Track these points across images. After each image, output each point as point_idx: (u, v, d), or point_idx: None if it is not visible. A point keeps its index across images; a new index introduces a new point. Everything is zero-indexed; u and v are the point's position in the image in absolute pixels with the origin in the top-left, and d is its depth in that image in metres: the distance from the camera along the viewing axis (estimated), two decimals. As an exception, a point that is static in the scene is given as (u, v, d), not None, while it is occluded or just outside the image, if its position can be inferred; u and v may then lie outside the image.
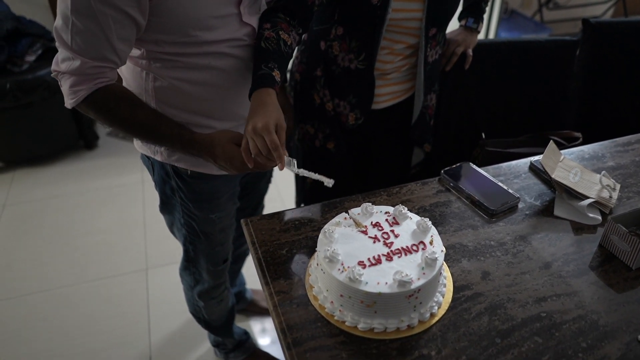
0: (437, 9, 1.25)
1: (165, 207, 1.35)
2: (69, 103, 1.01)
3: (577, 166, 1.22)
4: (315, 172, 1.07)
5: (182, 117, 1.13)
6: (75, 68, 0.96)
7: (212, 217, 1.31)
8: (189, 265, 1.47)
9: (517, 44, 1.62)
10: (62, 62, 0.98)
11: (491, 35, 3.57)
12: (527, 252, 1.04)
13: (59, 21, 0.94)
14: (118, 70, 1.12)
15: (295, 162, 1.04)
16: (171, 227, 1.42)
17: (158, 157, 1.20)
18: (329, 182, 1.05)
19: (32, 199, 2.63)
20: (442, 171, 1.24)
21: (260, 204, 1.68)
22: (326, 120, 1.45)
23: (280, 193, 2.47)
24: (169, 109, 1.12)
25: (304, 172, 1.05)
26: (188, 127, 1.12)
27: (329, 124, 1.46)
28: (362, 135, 1.49)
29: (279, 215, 1.13)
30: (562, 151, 1.30)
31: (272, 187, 1.67)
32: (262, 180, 1.56)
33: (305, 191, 1.67)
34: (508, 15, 3.93)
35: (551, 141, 1.23)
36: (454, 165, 1.26)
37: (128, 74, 1.13)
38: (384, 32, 1.26)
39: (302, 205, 1.71)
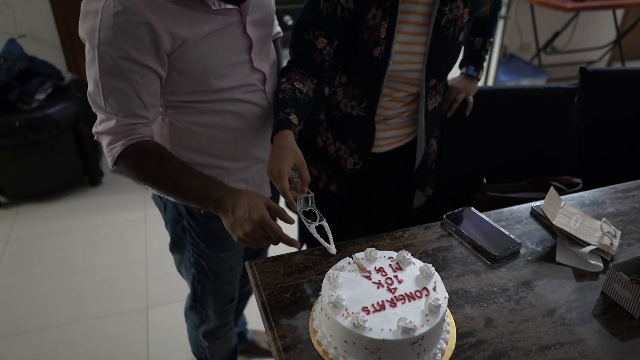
0: (437, 61, 1.29)
1: (176, 246, 1.36)
2: (109, 163, 1.07)
3: (577, 212, 1.24)
4: (321, 221, 1.08)
5: (196, 158, 1.17)
6: (111, 127, 1.03)
7: (222, 256, 1.33)
8: (196, 305, 1.47)
9: (517, 91, 1.66)
10: (100, 124, 1.05)
11: (490, 78, 3.65)
12: (530, 298, 1.04)
13: (90, 87, 1.01)
14: None
15: (313, 197, 1.06)
16: (179, 266, 1.43)
17: (171, 198, 1.22)
18: (331, 249, 1.07)
19: (35, 234, 2.64)
20: (444, 215, 1.26)
21: None
22: (329, 162, 1.48)
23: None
24: (183, 150, 1.17)
25: (312, 229, 1.06)
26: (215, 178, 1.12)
27: (331, 167, 1.49)
28: (364, 178, 1.52)
29: (283, 258, 1.14)
30: (562, 197, 1.32)
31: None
32: None
33: (308, 232, 1.68)
34: (507, 60, 4.03)
35: (552, 187, 1.25)
36: (456, 210, 1.28)
37: None
38: (385, 82, 1.30)
39: (305, 246, 1.72)
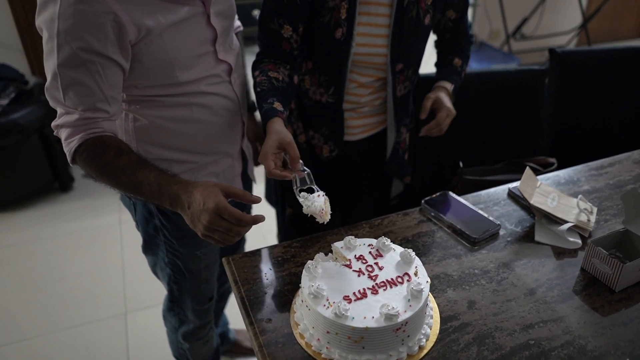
0: (401, 44, 1.26)
1: (149, 247, 1.32)
2: (68, 158, 1.02)
3: (554, 191, 1.24)
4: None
5: (163, 154, 1.14)
6: (71, 121, 0.99)
7: (197, 254, 1.30)
8: (174, 306, 1.43)
9: (488, 75, 1.66)
10: (59, 118, 1.01)
11: (462, 67, 3.66)
12: (511, 279, 1.04)
13: (48, 80, 0.96)
14: None
15: (310, 174, 1.04)
16: (154, 267, 1.39)
17: (129, 195, 1.17)
18: (321, 219, 1.00)
19: (4, 244, 2.55)
20: (422, 201, 1.25)
21: (242, 239, 1.65)
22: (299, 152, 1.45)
23: (261, 227, 2.45)
24: (150, 147, 1.13)
25: (304, 199, 1.01)
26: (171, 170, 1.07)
27: (301, 157, 1.46)
28: (339, 167, 1.49)
29: (260, 252, 1.11)
30: (538, 177, 1.32)
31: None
32: None
33: (285, 225, 1.65)
34: (477, 47, 4.06)
35: (527, 168, 1.25)
36: (434, 195, 1.27)
37: None
38: (349, 66, 1.27)
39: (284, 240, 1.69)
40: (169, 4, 1.00)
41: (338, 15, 1.20)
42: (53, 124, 1.03)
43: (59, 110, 1.00)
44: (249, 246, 1.57)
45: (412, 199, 1.50)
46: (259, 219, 0.94)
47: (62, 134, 1.01)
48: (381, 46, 1.26)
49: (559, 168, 1.47)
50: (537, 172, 1.40)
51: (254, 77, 1.22)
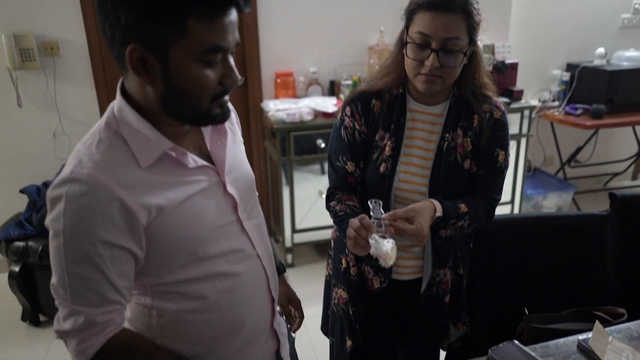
0: (440, 185, 1.37)
1: None
2: None
3: (627, 348, 1.22)
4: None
5: (189, 350, 1.05)
6: (81, 323, 0.90)
7: None
8: None
9: (550, 219, 1.70)
10: (65, 321, 0.92)
11: (517, 193, 3.69)
12: None
13: (54, 277, 0.91)
14: None
15: (387, 223, 1.19)
16: None
17: None
18: (385, 263, 1.15)
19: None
20: (489, 350, 1.25)
21: None
22: (349, 284, 1.51)
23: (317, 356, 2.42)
24: (175, 343, 1.04)
25: (375, 242, 1.15)
26: None
27: (350, 288, 1.51)
28: (390, 301, 1.53)
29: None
30: (608, 328, 1.30)
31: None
32: None
33: (346, 357, 1.64)
34: (532, 174, 4.11)
35: (597, 322, 1.25)
36: (501, 345, 1.27)
37: (130, 312, 1.07)
38: (392, 199, 1.39)
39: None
40: (181, 177, 0.96)
41: (384, 153, 1.37)
42: (57, 328, 0.93)
43: (64, 311, 0.91)
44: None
45: (476, 344, 1.50)
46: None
47: (71, 341, 0.92)
48: (421, 185, 1.38)
49: (629, 318, 1.44)
50: (606, 323, 1.39)
51: (330, 206, 1.41)
